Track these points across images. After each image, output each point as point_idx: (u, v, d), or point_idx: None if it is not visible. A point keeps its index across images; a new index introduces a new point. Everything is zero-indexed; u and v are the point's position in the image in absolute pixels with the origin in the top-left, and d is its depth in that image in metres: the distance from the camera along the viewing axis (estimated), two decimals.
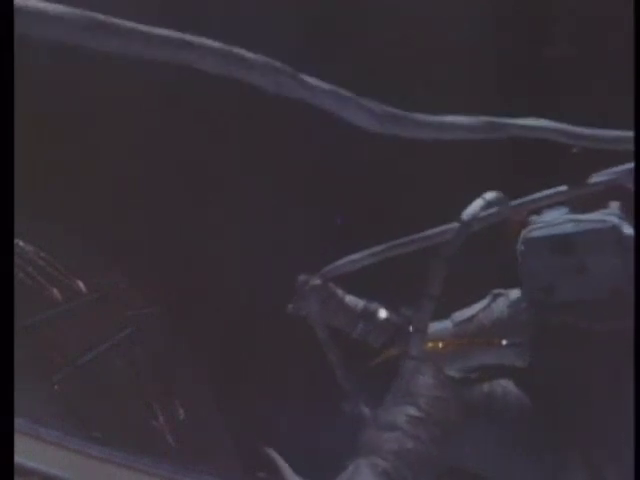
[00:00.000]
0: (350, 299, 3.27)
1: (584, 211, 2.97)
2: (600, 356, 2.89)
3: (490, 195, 2.76)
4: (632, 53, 2.51)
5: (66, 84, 5.14)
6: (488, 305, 3.22)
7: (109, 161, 5.13)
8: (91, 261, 5.15)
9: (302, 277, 3.27)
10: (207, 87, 5.15)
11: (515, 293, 3.16)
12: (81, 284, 4.97)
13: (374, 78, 4.89)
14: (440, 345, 3.20)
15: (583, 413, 2.83)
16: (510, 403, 2.91)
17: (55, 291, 4.80)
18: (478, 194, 2.94)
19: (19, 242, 4.77)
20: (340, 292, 3.27)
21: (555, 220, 2.97)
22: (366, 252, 2.99)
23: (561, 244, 2.91)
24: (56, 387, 4.19)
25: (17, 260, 4.62)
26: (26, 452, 2.47)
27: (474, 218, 2.70)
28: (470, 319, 3.23)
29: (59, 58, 5.14)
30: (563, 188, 2.88)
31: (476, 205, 2.73)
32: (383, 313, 3.21)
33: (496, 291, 3.25)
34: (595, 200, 2.96)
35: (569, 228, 2.93)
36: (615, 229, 2.89)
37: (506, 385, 2.96)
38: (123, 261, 5.15)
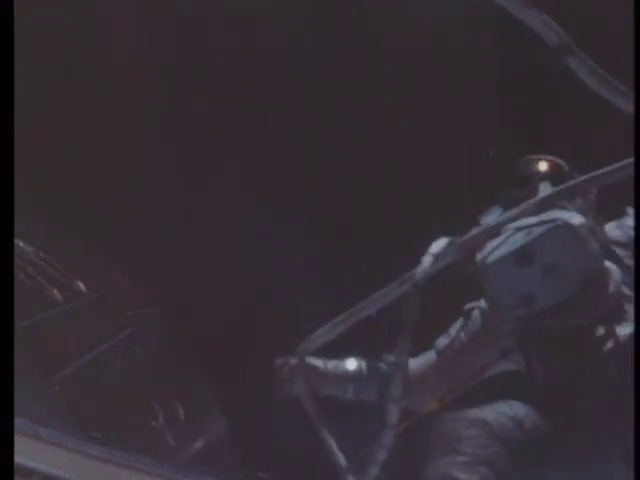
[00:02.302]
0: (333, 364, 3.29)
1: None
2: (596, 348, 2.90)
3: (437, 247, 2.78)
4: (632, 56, 2.52)
5: (66, 85, 5.14)
6: (465, 323, 3.23)
7: (109, 161, 5.13)
8: (91, 261, 5.14)
9: (278, 361, 3.29)
10: (208, 89, 5.16)
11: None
12: (81, 284, 4.97)
13: (374, 79, 4.90)
14: (441, 398, 3.22)
15: (609, 411, 2.83)
16: (536, 423, 2.90)
17: (55, 291, 4.80)
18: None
19: (19, 242, 4.76)
20: (320, 362, 3.28)
21: (506, 236, 2.96)
22: (334, 322, 3.00)
23: (521, 256, 2.91)
24: (56, 387, 4.18)
25: (17, 260, 4.61)
26: (26, 452, 2.47)
27: (426, 277, 2.73)
28: (452, 343, 3.25)
29: (59, 58, 5.15)
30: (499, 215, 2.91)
31: (426, 264, 2.75)
32: (368, 367, 3.23)
33: (468, 306, 3.25)
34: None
35: (522, 239, 2.92)
36: (566, 225, 2.89)
37: (522, 406, 2.95)
38: (123, 261, 5.15)
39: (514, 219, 2.85)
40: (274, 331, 4.80)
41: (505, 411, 2.91)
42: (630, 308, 2.97)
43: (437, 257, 2.78)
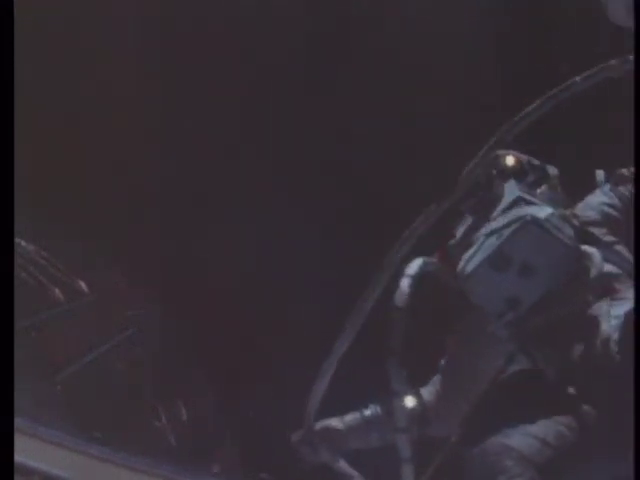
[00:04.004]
0: (349, 419, 3.28)
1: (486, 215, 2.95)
2: (593, 333, 2.89)
3: (413, 268, 2.82)
4: (632, 56, 2.52)
5: (66, 84, 5.14)
6: (461, 339, 3.22)
7: (110, 161, 5.14)
8: (92, 261, 5.15)
9: (294, 436, 3.28)
10: (208, 91, 5.16)
11: (472, 317, 3.13)
12: (82, 284, 4.97)
13: (374, 82, 4.90)
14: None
15: (616, 397, 2.81)
16: (559, 433, 2.88)
17: (57, 291, 4.80)
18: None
19: (21, 242, 4.77)
20: (337, 421, 3.27)
21: (479, 243, 2.94)
22: (322, 370, 3.04)
23: (497, 261, 2.89)
24: (58, 387, 4.18)
25: (19, 260, 4.62)
26: (27, 452, 2.48)
27: (408, 300, 2.78)
28: (456, 362, 3.23)
29: (59, 57, 5.15)
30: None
31: (404, 286, 2.80)
32: (382, 408, 3.23)
33: (460, 321, 3.23)
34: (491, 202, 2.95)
35: (495, 243, 2.91)
36: (534, 220, 2.87)
37: (542, 418, 2.92)
38: (123, 261, 5.15)
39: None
40: (274, 331, 4.81)
41: (528, 431, 2.87)
42: (620, 286, 2.96)
43: (414, 278, 2.82)
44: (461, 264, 2.91)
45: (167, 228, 5.11)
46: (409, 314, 2.83)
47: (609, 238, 3.06)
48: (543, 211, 2.89)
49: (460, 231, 3.03)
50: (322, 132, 5.00)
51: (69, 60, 5.14)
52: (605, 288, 2.94)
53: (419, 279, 2.87)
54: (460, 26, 4.78)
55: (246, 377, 4.90)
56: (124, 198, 5.16)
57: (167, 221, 5.13)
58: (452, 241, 3.01)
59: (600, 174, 3.13)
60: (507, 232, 2.87)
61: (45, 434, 2.65)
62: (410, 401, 3.07)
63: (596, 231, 3.05)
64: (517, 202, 2.93)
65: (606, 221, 3.08)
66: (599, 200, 3.11)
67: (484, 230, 2.90)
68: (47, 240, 4.94)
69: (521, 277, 2.86)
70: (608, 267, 2.95)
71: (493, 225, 2.90)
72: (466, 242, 2.94)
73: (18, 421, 2.41)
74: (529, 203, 2.95)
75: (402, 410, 2.90)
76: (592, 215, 3.09)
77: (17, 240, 4.63)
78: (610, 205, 3.09)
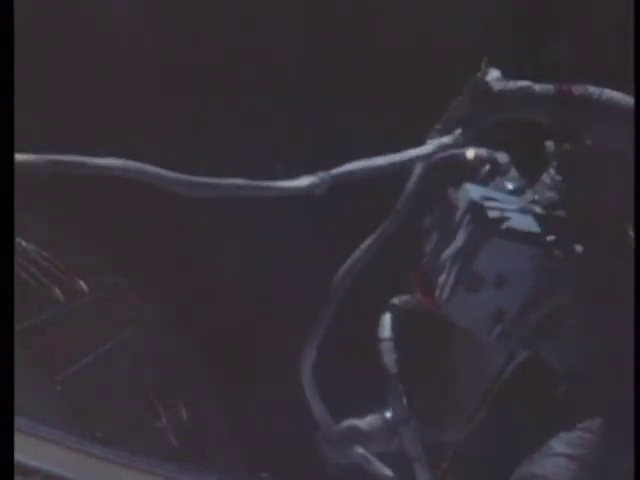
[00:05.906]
0: (371, 421, 3.23)
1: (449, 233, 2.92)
2: (580, 322, 2.88)
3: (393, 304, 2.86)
4: (632, 53, 2.52)
5: (66, 83, 5.15)
6: (458, 348, 3.22)
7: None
8: (93, 261, 5.15)
9: (320, 434, 3.25)
10: (208, 90, 5.17)
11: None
12: (83, 284, 4.98)
13: (374, 81, 4.90)
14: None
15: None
16: (580, 439, 2.86)
17: (57, 291, 4.80)
18: None
19: (21, 242, 4.77)
20: (359, 422, 3.23)
21: (448, 266, 2.91)
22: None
23: (470, 282, 2.86)
24: (59, 387, 4.19)
25: (20, 260, 4.63)
26: (28, 451, 2.48)
27: (391, 331, 2.86)
28: (457, 370, 3.23)
29: (60, 61, 5.16)
30: None
31: (386, 321, 2.85)
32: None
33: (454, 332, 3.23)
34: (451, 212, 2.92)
35: (462, 265, 2.87)
36: (495, 232, 2.82)
37: (563, 430, 2.91)
38: (124, 261, 5.16)
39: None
40: (275, 331, 4.81)
41: (549, 450, 2.85)
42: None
43: (394, 314, 2.86)
44: (438, 291, 2.88)
45: (167, 228, 5.12)
46: (396, 342, 2.85)
47: (572, 216, 3.02)
48: (502, 217, 2.84)
49: (429, 249, 2.99)
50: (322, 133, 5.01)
51: (71, 61, 5.15)
52: (581, 269, 2.91)
53: (400, 314, 2.90)
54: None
55: (246, 377, 4.90)
56: (125, 198, 5.16)
57: (167, 221, 5.13)
58: (424, 260, 2.97)
59: (550, 145, 3.07)
60: (472, 251, 2.83)
61: (46, 434, 2.65)
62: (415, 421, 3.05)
63: (559, 213, 3.00)
64: (474, 213, 2.87)
65: (565, 198, 3.03)
66: (555, 179, 3.06)
67: (451, 249, 2.86)
68: (47, 240, 4.95)
69: (498, 289, 2.83)
70: (579, 247, 2.92)
71: (458, 242, 2.85)
72: (437, 262, 2.90)
73: (19, 421, 2.41)
74: (486, 209, 2.88)
75: (411, 437, 2.89)
76: (552, 196, 3.04)
77: (17, 240, 4.63)
78: (565, 181, 3.03)
